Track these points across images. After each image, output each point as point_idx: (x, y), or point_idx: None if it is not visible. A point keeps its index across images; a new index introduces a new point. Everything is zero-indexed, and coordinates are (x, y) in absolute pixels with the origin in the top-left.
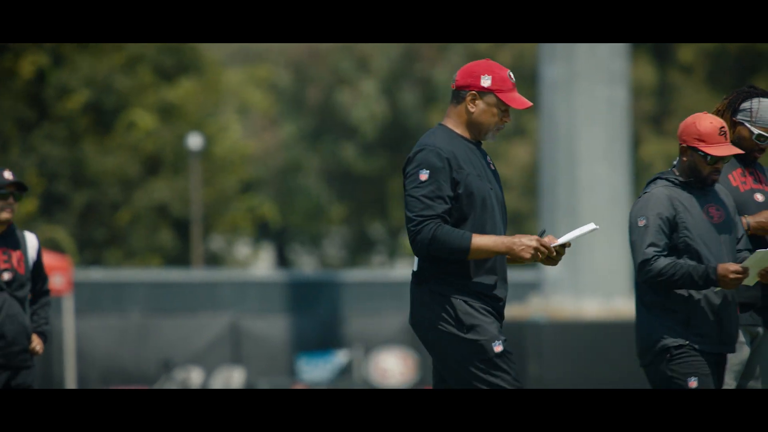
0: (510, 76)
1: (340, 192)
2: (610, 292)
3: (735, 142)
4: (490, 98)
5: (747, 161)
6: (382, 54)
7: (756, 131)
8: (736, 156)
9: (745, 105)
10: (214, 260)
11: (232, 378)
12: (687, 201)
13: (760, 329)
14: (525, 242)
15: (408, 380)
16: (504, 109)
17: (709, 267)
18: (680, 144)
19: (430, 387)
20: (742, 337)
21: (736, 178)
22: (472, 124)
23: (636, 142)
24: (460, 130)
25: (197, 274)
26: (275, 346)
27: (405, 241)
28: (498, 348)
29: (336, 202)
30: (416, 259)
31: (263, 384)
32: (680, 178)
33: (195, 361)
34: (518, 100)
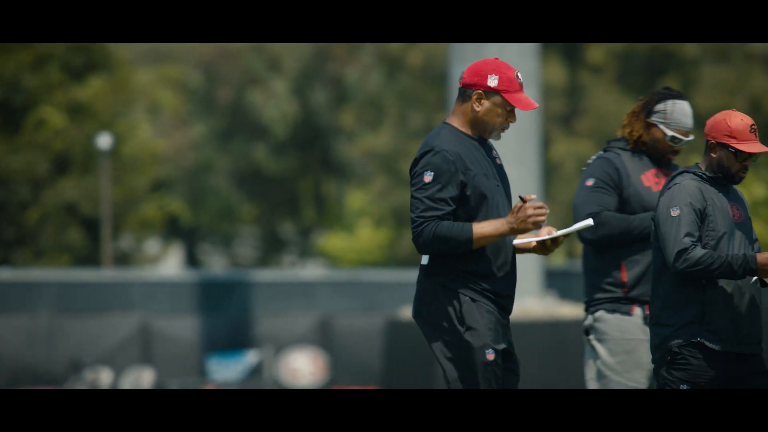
0: (518, 76)
1: (251, 192)
2: (520, 292)
3: (649, 144)
4: (496, 98)
5: (661, 163)
6: (293, 54)
7: (670, 133)
8: (650, 157)
9: (660, 107)
10: (123, 260)
11: (142, 378)
12: (714, 196)
13: None
14: (521, 216)
15: (318, 380)
16: (509, 109)
17: (748, 255)
18: (708, 140)
19: (341, 387)
20: (644, 336)
21: (649, 179)
22: (476, 123)
23: (546, 143)
24: (464, 128)
25: (107, 274)
26: (185, 346)
27: (316, 240)
28: (490, 356)
29: (247, 201)
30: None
31: (173, 384)
32: (707, 174)
33: (104, 362)
34: (524, 102)
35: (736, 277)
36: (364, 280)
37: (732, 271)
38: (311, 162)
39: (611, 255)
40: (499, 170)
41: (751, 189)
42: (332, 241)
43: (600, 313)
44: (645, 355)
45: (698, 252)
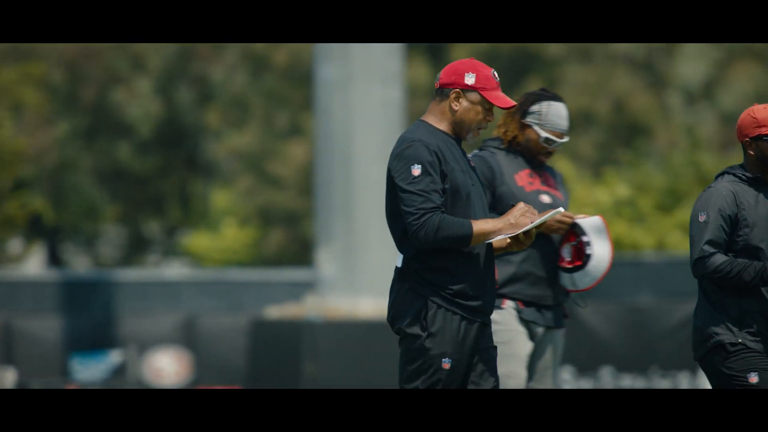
0: (494, 75)
1: (115, 191)
2: (385, 291)
3: (523, 145)
4: (474, 96)
5: (535, 163)
6: (158, 53)
7: (544, 134)
8: (524, 157)
9: (535, 108)
10: None
11: (4, 378)
12: (753, 198)
13: (541, 329)
14: (517, 213)
15: (182, 380)
16: (488, 107)
17: (767, 264)
18: (742, 142)
19: (205, 387)
20: (521, 327)
21: (523, 179)
22: (455, 122)
23: None
24: (442, 127)
25: None
26: (47, 346)
27: (180, 240)
28: (445, 365)
29: (110, 200)
30: (400, 255)
31: (35, 384)
32: (747, 174)
33: None
34: (502, 99)
35: (754, 285)
36: (228, 279)
37: (750, 280)
38: (176, 161)
39: None
40: (473, 171)
41: (614, 189)
42: (197, 240)
43: None
44: (522, 346)
45: (717, 259)
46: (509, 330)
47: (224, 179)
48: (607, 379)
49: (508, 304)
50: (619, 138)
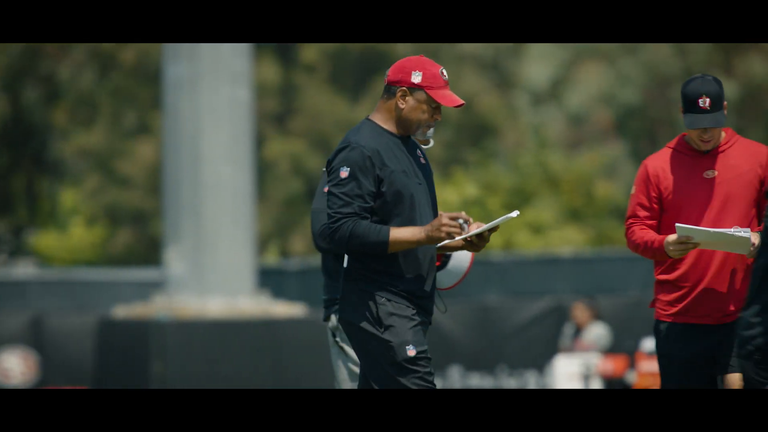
0: (442, 73)
1: None
2: (233, 290)
3: None
4: (420, 95)
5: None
6: (3, 51)
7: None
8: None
9: None
10: None
11: None
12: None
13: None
14: (435, 224)
15: (29, 380)
16: (434, 106)
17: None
18: None
19: (52, 387)
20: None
21: None
22: (401, 121)
23: (260, 141)
24: (388, 126)
25: None
26: None
27: (28, 239)
28: (411, 352)
29: None
30: (346, 256)
31: None
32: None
33: None
34: (449, 98)
35: None
36: (76, 279)
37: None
38: (23, 160)
39: None
40: (423, 169)
41: (463, 189)
42: (44, 239)
43: None
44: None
45: None
46: None
47: (72, 178)
48: (455, 377)
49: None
50: (467, 138)
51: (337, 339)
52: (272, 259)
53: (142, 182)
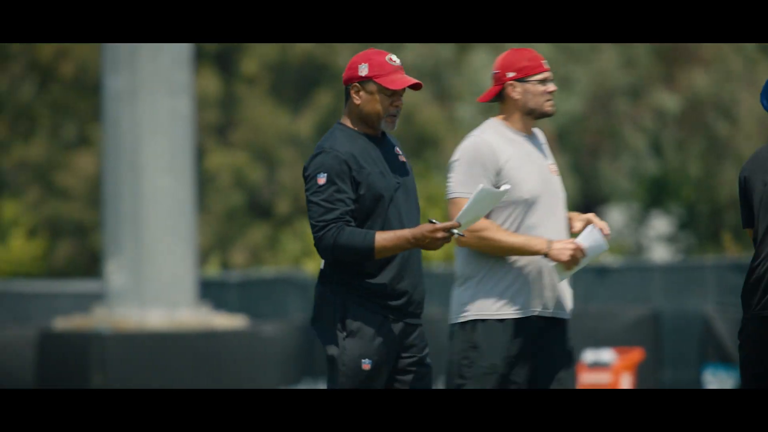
0: (390, 59)
1: None
2: (174, 302)
3: None
4: (371, 86)
5: None
6: None
7: None
8: None
9: None
10: None
11: None
12: None
13: None
14: (427, 234)
15: None
16: (389, 94)
17: None
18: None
19: None
20: None
21: None
22: (362, 116)
23: (200, 153)
24: (358, 127)
25: None
26: None
27: None
28: (365, 366)
29: None
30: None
31: None
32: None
33: None
34: (398, 81)
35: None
36: (15, 290)
37: None
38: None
39: None
40: (401, 167)
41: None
42: None
43: None
44: None
45: None
46: None
47: (12, 190)
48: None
49: None
50: (408, 150)
51: None
52: (213, 271)
53: (82, 194)
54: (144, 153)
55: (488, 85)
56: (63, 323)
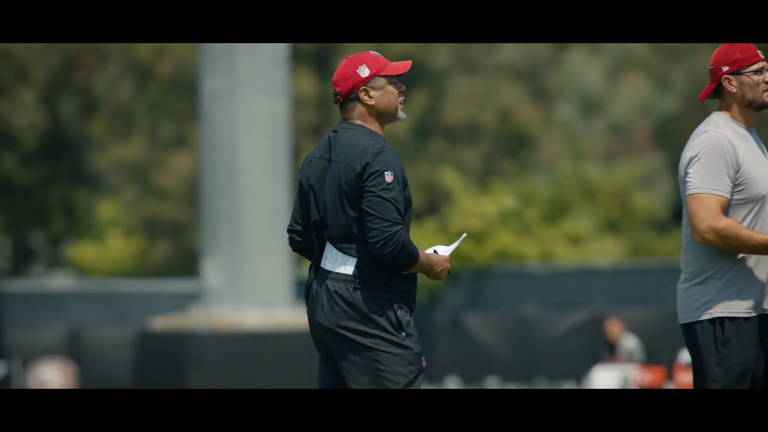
0: (375, 54)
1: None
2: (271, 302)
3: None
4: (378, 81)
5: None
6: (41, 63)
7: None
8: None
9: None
10: None
11: None
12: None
13: None
14: (441, 265)
15: None
16: (393, 81)
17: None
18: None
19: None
20: None
21: None
22: (380, 114)
23: (297, 153)
24: (375, 127)
25: None
26: None
27: (65, 251)
28: (425, 363)
29: None
30: (351, 259)
31: None
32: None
33: None
34: (399, 67)
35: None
36: (114, 290)
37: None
38: (60, 172)
39: None
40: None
41: (500, 200)
42: (82, 251)
43: None
44: None
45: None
46: None
47: (109, 190)
48: (492, 388)
49: None
50: (504, 149)
51: None
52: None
53: (179, 194)
54: (241, 153)
55: (586, 85)
56: (160, 323)
